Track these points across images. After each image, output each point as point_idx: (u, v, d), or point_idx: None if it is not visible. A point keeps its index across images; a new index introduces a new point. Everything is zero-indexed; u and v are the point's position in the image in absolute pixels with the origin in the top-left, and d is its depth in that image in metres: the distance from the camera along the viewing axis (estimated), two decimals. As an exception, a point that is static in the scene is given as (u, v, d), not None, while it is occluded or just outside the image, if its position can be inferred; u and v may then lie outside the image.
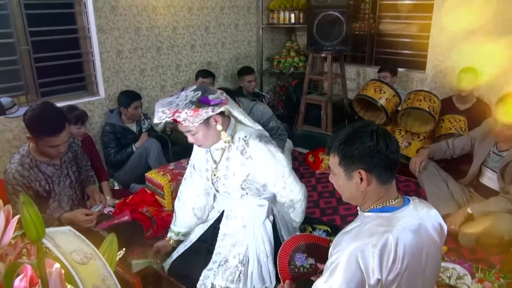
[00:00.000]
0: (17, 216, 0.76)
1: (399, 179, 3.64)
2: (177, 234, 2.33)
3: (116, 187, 3.54)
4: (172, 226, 2.36)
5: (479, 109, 3.68)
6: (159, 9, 4.03)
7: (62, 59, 3.58)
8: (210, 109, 1.82)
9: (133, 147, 3.51)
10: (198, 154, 2.24)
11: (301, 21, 5.06)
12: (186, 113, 1.79)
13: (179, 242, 2.34)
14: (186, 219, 2.31)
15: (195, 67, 4.46)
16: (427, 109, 3.59)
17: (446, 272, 2.25)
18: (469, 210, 2.44)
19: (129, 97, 3.55)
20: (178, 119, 1.81)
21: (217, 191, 2.20)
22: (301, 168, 3.96)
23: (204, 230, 2.28)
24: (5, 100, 3.21)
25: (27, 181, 2.15)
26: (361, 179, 1.29)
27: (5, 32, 3.20)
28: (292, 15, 5.03)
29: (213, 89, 1.96)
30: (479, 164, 2.60)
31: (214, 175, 2.14)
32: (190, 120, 1.80)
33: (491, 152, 2.55)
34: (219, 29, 4.69)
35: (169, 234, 2.36)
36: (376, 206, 1.32)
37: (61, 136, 2.12)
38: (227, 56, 4.88)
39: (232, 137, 2.03)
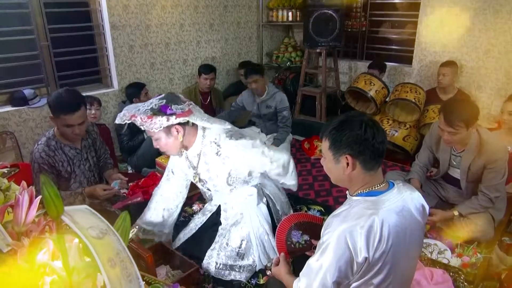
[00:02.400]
0: (40, 197, 0.76)
1: (386, 164, 3.64)
2: (142, 230, 2.16)
3: (130, 171, 3.55)
4: (138, 220, 2.20)
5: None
6: (168, 8, 3.99)
7: (79, 54, 3.56)
8: (164, 118, 1.74)
9: (144, 134, 3.51)
10: (176, 160, 2.15)
11: (298, 19, 5.01)
12: (141, 118, 1.73)
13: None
14: (153, 216, 2.19)
15: (201, 61, 4.43)
16: (413, 100, 3.58)
17: (428, 247, 2.26)
18: (455, 213, 2.39)
19: (137, 87, 3.56)
20: (135, 123, 1.75)
21: (208, 189, 2.19)
22: (298, 154, 3.96)
23: (203, 222, 2.27)
24: (28, 91, 3.21)
25: (52, 161, 2.15)
26: (347, 164, 1.28)
27: (26, 29, 3.18)
28: (290, 13, 4.98)
29: (182, 99, 1.86)
30: (446, 166, 2.57)
31: (199, 179, 2.10)
32: (147, 126, 1.74)
33: (451, 154, 2.51)
34: (223, 27, 4.65)
35: (138, 223, 2.18)
36: (363, 191, 1.31)
37: (75, 115, 2.08)
38: (230, 51, 4.84)
39: (203, 143, 1.97)
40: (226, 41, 4.74)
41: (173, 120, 1.75)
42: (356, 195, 1.32)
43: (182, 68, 4.32)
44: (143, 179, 3.14)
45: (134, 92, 3.53)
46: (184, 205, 2.82)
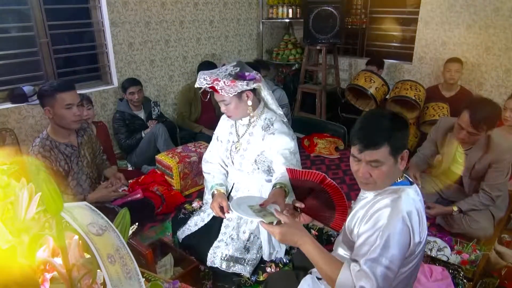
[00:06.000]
0: (39, 194, 0.76)
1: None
2: (220, 185, 2.15)
3: (129, 168, 3.55)
4: (211, 183, 2.18)
5: (463, 96, 3.67)
6: (167, 5, 3.98)
7: (78, 51, 3.55)
8: (245, 83, 1.88)
9: (142, 133, 3.50)
10: (223, 127, 2.25)
11: (298, 15, 5.01)
12: (224, 82, 1.85)
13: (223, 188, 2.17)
14: (219, 170, 2.25)
15: (201, 58, 4.43)
16: (413, 97, 3.57)
17: (428, 244, 2.26)
18: (455, 208, 2.41)
19: (126, 83, 3.54)
20: (216, 87, 1.86)
21: (232, 162, 2.19)
22: (298, 151, 3.97)
23: (203, 220, 2.26)
24: (27, 88, 3.21)
25: (49, 162, 2.14)
26: (401, 159, 1.29)
27: (26, 26, 3.18)
28: (290, 10, 4.97)
29: (250, 68, 2.01)
30: (449, 162, 2.56)
31: (236, 148, 2.14)
32: (226, 90, 1.86)
33: (456, 151, 2.50)
34: (223, 23, 4.64)
35: (213, 190, 2.13)
36: (400, 179, 1.33)
37: (72, 93, 2.12)
38: (230, 48, 4.84)
39: (259, 117, 2.07)
40: (226, 38, 4.74)
41: (251, 85, 1.91)
42: (394, 184, 1.32)
43: (182, 65, 4.31)
44: (143, 177, 3.15)
45: (122, 87, 3.56)
46: (184, 202, 2.84)
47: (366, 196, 1.38)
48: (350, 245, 1.40)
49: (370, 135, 1.24)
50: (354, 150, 1.29)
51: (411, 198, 1.25)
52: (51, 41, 3.29)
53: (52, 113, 2.11)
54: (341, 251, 1.48)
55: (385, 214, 1.22)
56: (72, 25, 3.49)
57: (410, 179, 1.36)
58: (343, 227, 1.50)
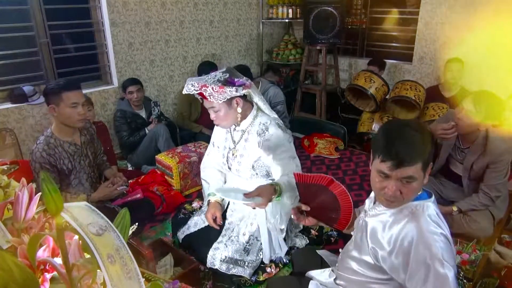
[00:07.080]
0: (39, 193, 0.76)
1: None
2: (214, 194, 2.20)
3: (130, 168, 3.56)
4: (207, 191, 2.24)
5: (463, 96, 3.65)
6: (167, 5, 3.98)
7: (78, 51, 3.56)
8: (234, 89, 1.85)
9: (146, 130, 3.51)
10: (219, 133, 2.24)
11: (298, 15, 5.01)
12: (213, 88, 1.82)
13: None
14: (216, 177, 2.26)
15: (201, 58, 4.43)
16: (413, 98, 3.57)
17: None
18: (455, 208, 2.42)
19: (125, 82, 3.56)
20: (204, 93, 1.84)
21: (229, 168, 2.19)
22: (297, 151, 3.95)
23: (204, 221, 2.25)
24: (27, 88, 3.21)
25: (53, 159, 2.15)
26: (427, 172, 1.23)
27: (26, 26, 3.18)
28: (290, 10, 4.97)
29: (240, 74, 1.99)
30: (445, 156, 2.55)
31: (233, 154, 2.14)
32: (215, 96, 1.83)
33: (456, 146, 2.50)
34: (223, 23, 4.64)
35: (209, 198, 2.19)
36: (420, 192, 1.28)
37: (78, 92, 2.14)
38: (230, 48, 4.84)
39: (253, 121, 2.05)
40: (226, 38, 4.74)
41: (240, 91, 1.87)
42: (415, 200, 1.27)
43: (182, 65, 4.31)
44: (143, 177, 3.15)
45: (122, 86, 3.58)
46: (184, 202, 2.84)
47: (381, 212, 1.32)
48: (363, 261, 1.37)
49: (405, 152, 1.15)
50: (383, 166, 1.19)
51: (433, 214, 1.22)
52: (51, 41, 3.30)
53: (56, 111, 2.12)
54: (355, 265, 1.42)
55: (426, 243, 1.16)
56: (72, 25, 3.50)
57: (428, 190, 1.32)
58: (351, 239, 1.49)
